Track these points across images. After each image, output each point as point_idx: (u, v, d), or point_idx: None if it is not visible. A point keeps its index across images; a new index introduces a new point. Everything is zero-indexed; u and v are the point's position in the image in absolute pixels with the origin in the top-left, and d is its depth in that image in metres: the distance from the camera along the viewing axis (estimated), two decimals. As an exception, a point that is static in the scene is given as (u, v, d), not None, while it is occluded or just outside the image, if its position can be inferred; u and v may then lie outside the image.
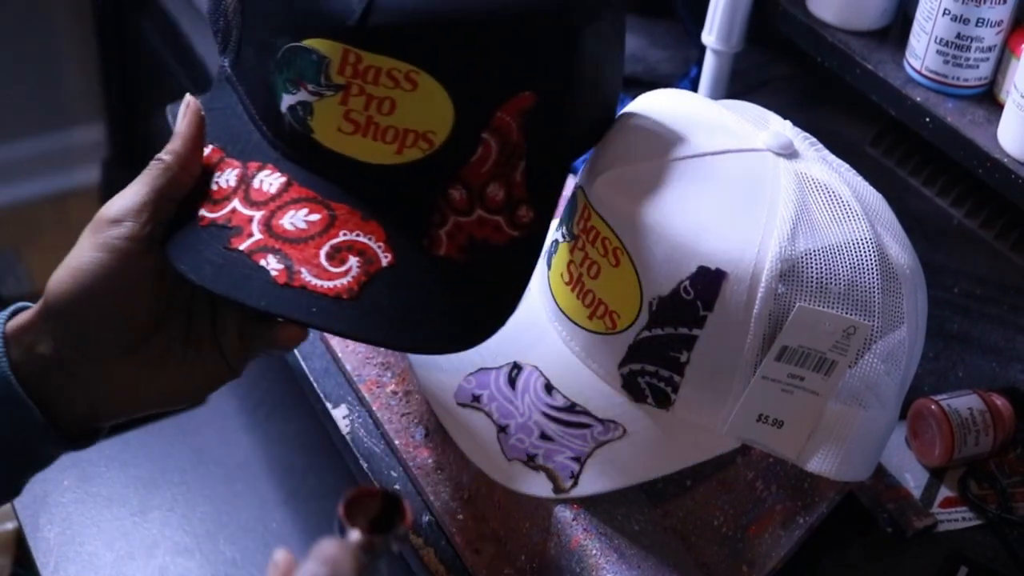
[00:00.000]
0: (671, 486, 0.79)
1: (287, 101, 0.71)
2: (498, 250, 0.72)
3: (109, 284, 0.69)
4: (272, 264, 0.69)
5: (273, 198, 0.71)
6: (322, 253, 0.69)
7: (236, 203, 0.71)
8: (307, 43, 0.69)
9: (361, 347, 0.94)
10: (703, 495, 0.80)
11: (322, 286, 0.68)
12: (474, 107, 0.70)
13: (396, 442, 0.87)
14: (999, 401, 0.93)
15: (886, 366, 0.75)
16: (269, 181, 0.72)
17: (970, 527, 0.89)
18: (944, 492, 0.91)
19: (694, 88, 1.20)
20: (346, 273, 0.69)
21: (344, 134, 0.70)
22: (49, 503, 0.97)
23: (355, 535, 0.51)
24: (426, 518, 0.84)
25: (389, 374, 0.92)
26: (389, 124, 0.69)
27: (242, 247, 0.69)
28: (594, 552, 0.76)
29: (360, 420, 0.91)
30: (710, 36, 1.12)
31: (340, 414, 0.91)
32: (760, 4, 1.11)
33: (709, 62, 1.14)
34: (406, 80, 0.68)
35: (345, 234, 0.70)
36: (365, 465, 0.87)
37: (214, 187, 0.73)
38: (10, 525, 1.06)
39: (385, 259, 0.70)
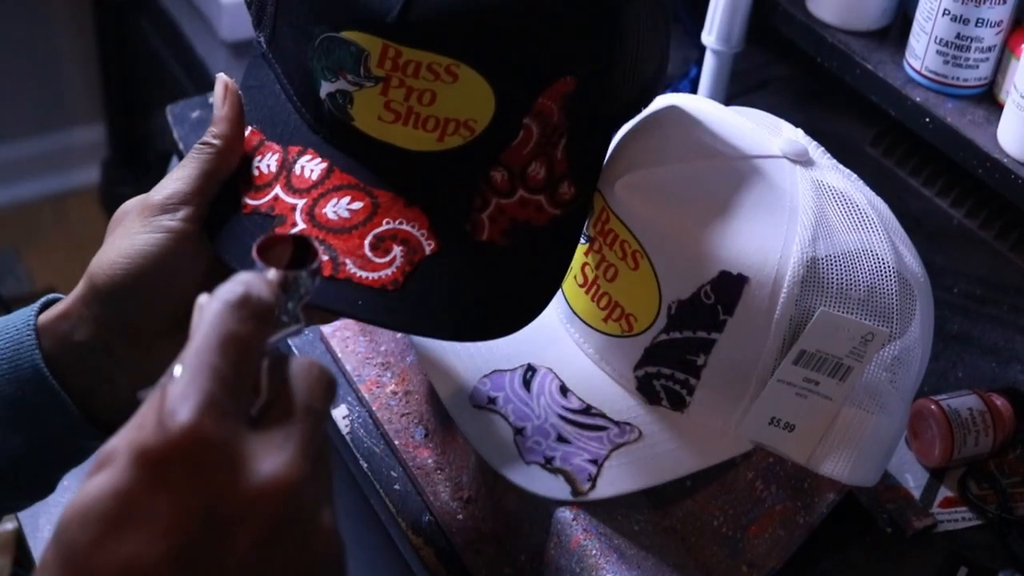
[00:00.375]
0: (671, 487, 0.79)
1: (326, 88, 0.70)
2: (540, 231, 0.72)
3: (165, 266, 0.69)
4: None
5: (315, 185, 0.71)
6: (366, 243, 0.69)
7: (278, 190, 0.71)
8: (345, 35, 0.68)
9: (361, 347, 0.94)
10: (703, 495, 0.80)
11: (367, 277, 0.68)
12: (516, 95, 0.69)
13: (396, 442, 0.87)
14: (999, 401, 0.93)
15: (899, 372, 0.75)
16: (311, 167, 0.72)
17: (970, 527, 0.89)
18: (944, 492, 0.91)
19: (694, 89, 1.20)
20: (390, 263, 0.69)
21: (385, 123, 0.70)
22: (49, 503, 0.97)
23: (271, 271, 0.49)
24: (426, 518, 0.84)
25: (389, 374, 0.92)
26: (430, 114, 0.69)
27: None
28: (594, 552, 0.76)
29: (360, 420, 0.91)
30: (710, 36, 1.12)
31: (340, 414, 0.91)
32: (760, 4, 1.11)
33: (709, 62, 1.14)
34: (447, 73, 0.68)
35: (388, 223, 0.70)
36: (365, 465, 0.87)
37: (255, 172, 0.72)
38: (10, 525, 1.06)
39: (428, 247, 0.70)
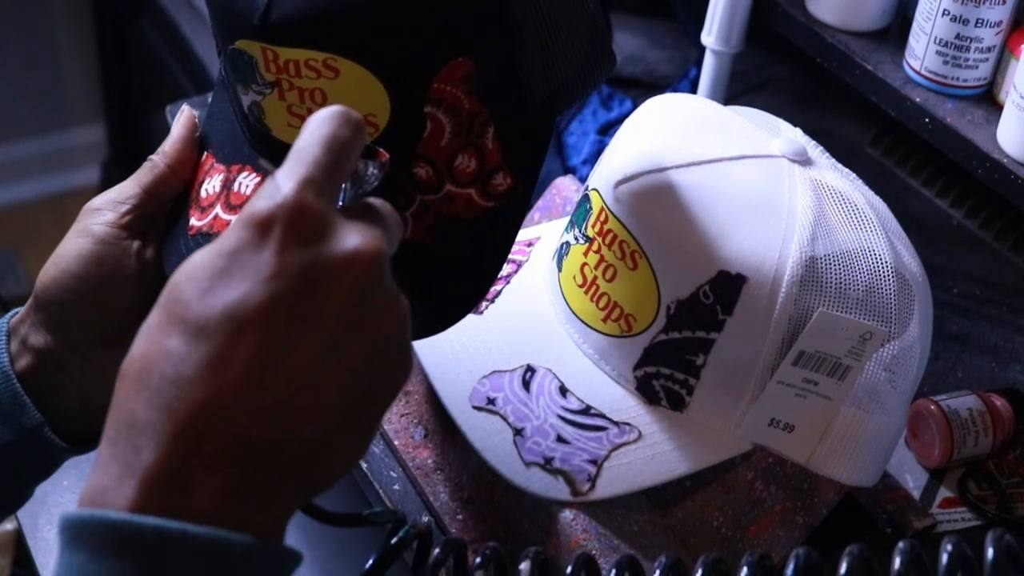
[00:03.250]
0: (671, 487, 0.79)
1: (245, 101, 0.70)
2: (468, 225, 0.71)
3: (87, 270, 0.70)
4: None
5: (248, 200, 0.70)
6: None
7: (218, 209, 0.71)
8: (238, 45, 0.68)
9: (361, 347, 0.94)
10: (703, 496, 0.80)
11: None
12: (405, 83, 0.68)
13: (396, 442, 0.87)
14: (998, 402, 0.93)
15: (897, 372, 0.75)
16: (247, 183, 0.72)
17: (969, 527, 0.89)
18: (943, 493, 0.91)
19: (693, 89, 1.20)
20: None
21: (294, 128, 0.69)
22: (49, 503, 0.97)
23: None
24: (426, 518, 0.84)
25: (389, 374, 0.92)
26: None
27: None
28: (594, 552, 0.76)
29: (360, 420, 0.91)
30: (709, 37, 1.12)
31: (340, 414, 0.91)
32: (760, 5, 1.11)
33: (708, 63, 1.14)
34: (326, 68, 0.66)
35: None
36: (365, 465, 0.87)
37: (203, 194, 0.73)
38: (10, 526, 1.06)
39: None
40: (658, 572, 0.57)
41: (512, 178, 0.72)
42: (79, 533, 0.45)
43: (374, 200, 0.53)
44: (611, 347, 0.77)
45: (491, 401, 0.79)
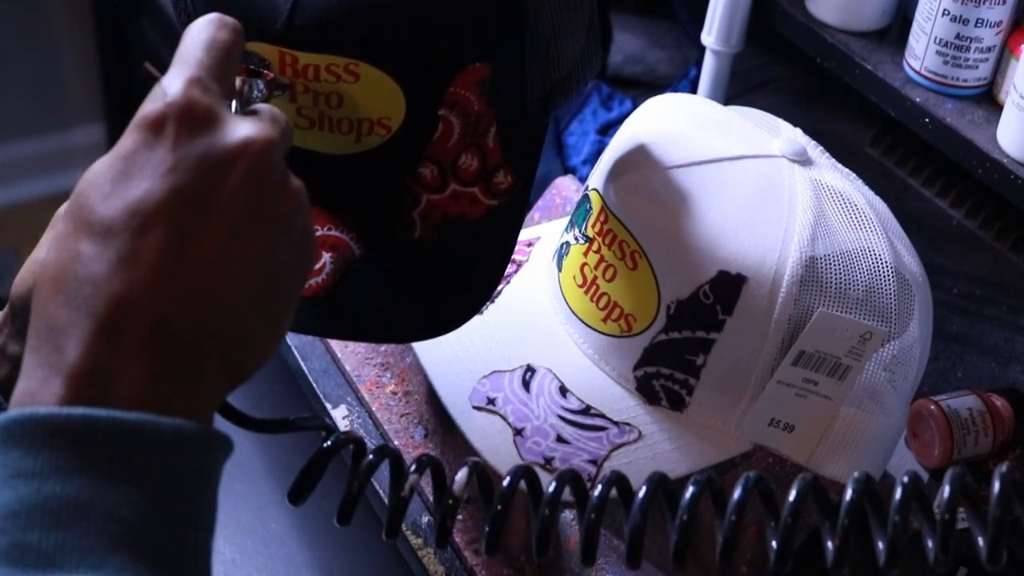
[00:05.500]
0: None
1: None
2: (475, 223, 0.71)
3: None
4: None
5: None
6: None
7: None
8: (248, 47, 0.67)
9: (361, 347, 0.94)
10: (703, 496, 0.80)
11: None
12: (424, 87, 0.68)
13: (396, 442, 0.87)
14: (998, 402, 0.93)
15: (897, 372, 0.75)
16: None
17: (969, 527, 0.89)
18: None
19: (693, 89, 1.20)
20: (320, 271, 0.68)
21: (301, 129, 0.69)
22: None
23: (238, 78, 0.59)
24: (426, 518, 0.84)
25: (389, 374, 0.92)
26: (342, 116, 0.68)
27: None
28: (593, 552, 0.76)
29: (359, 420, 0.91)
30: (709, 37, 1.12)
31: (340, 414, 0.91)
32: (759, 5, 1.11)
33: (708, 63, 1.14)
34: (347, 73, 0.66)
35: (317, 229, 0.69)
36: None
37: None
38: None
39: (358, 250, 0.69)
40: (600, 487, 0.58)
41: (512, 175, 0.72)
42: (10, 434, 0.46)
43: (261, 105, 0.55)
44: (611, 347, 0.77)
45: (491, 401, 0.79)
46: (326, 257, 0.68)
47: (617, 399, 0.77)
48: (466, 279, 0.71)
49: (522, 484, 0.60)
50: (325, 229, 0.69)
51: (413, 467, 0.61)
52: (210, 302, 0.49)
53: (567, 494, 0.59)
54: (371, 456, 0.61)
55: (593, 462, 0.76)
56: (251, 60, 0.67)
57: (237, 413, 0.61)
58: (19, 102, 2.31)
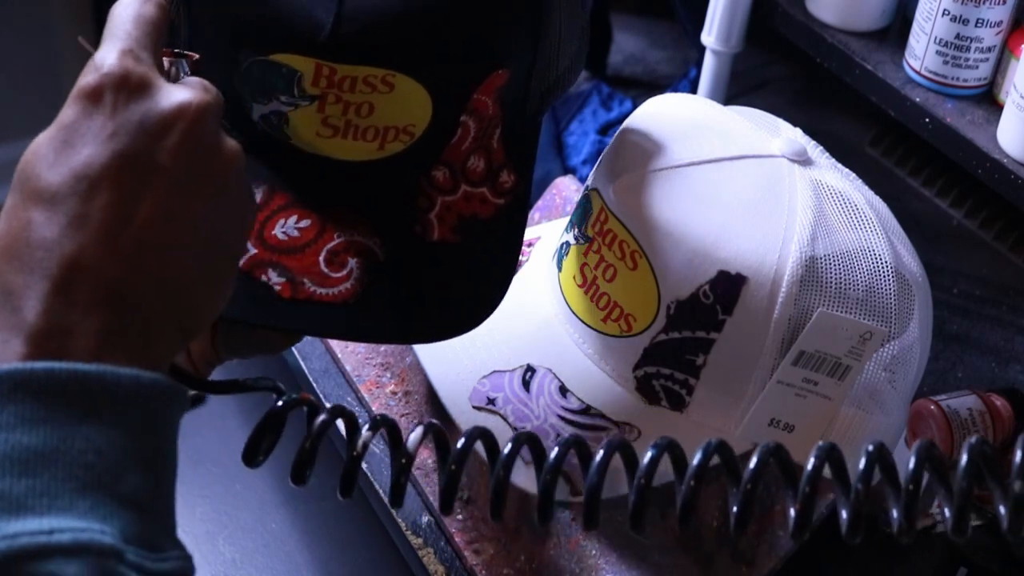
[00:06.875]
0: (670, 487, 0.79)
1: (258, 111, 0.69)
2: (488, 222, 0.72)
3: None
4: (274, 279, 0.68)
5: (259, 208, 0.70)
6: (321, 260, 0.69)
7: None
8: (275, 58, 0.67)
9: (360, 347, 0.94)
10: (703, 495, 0.80)
11: (327, 294, 0.68)
12: (452, 95, 0.69)
13: (396, 442, 0.87)
14: (998, 402, 0.93)
15: (897, 372, 0.75)
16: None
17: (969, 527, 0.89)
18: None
19: (693, 89, 1.20)
20: (348, 276, 0.69)
21: (323, 138, 0.69)
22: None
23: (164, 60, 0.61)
24: (426, 518, 0.84)
25: (388, 374, 0.92)
26: (369, 124, 0.68)
27: (240, 264, 0.69)
28: (593, 552, 0.76)
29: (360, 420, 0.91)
30: (709, 37, 1.12)
31: (340, 414, 0.91)
32: (759, 5, 1.11)
33: (708, 63, 1.14)
34: (383, 84, 0.67)
35: (339, 236, 0.69)
36: (364, 465, 0.87)
37: None
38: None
39: (382, 254, 0.69)
40: (558, 448, 0.58)
41: (515, 175, 0.73)
42: None
43: (190, 78, 0.57)
44: (611, 347, 0.77)
45: (491, 401, 0.79)
46: (352, 262, 0.69)
47: (617, 399, 0.77)
48: (485, 276, 0.72)
49: (479, 447, 0.60)
50: (347, 235, 0.69)
51: (366, 427, 0.61)
52: (157, 259, 0.51)
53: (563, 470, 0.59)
54: (324, 415, 0.61)
55: (593, 462, 0.76)
56: (279, 71, 0.67)
57: (185, 373, 0.63)
58: (19, 102, 2.31)
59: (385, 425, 0.61)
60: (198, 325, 0.54)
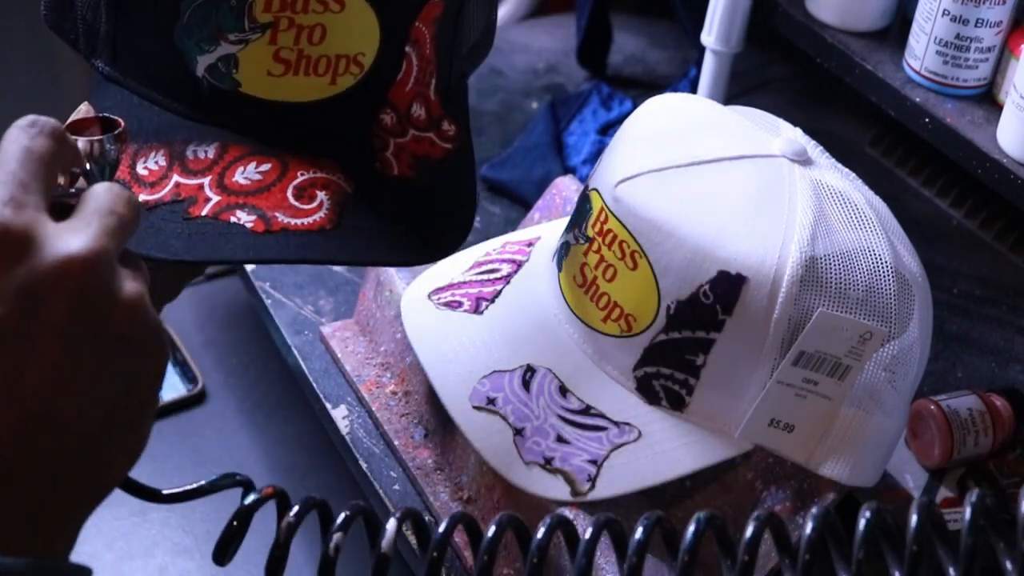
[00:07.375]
0: (671, 487, 0.79)
1: (204, 62, 0.69)
2: (442, 162, 0.74)
3: None
4: (244, 218, 0.67)
5: (214, 162, 0.70)
6: (289, 195, 0.69)
7: (176, 178, 0.69)
8: None
9: (361, 348, 0.94)
10: (703, 495, 0.80)
11: (301, 223, 0.68)
12: (397, 20, 0.70)
13: (395, 443, 0.87)
14: (998, 402, 0.93)
15: (897, 372, 0.75)
16: (203, 150, 0.70)
17: (969, 527, 0.89)
18: (943, 492, 0.91)
19: (693, 89, 1.20)
20: (319, 208, 0.69)
21: (275, 77, 0.69)
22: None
23: (82, 140, 0.58)
24: (426, 518, 0.84)
25: (388, 375, 0.92)
26: (321, 54, 0.69)
27: (204, 212, 0.68)
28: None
29: (359, 421, 0.91)
30: (709, 37, 1.12)
31: (339, 415, 0.91)
32: (760, 4, 1.11)
33: (708, 63, 1.14)
34: (334, 1, 0.68)
35: (303, 174, 0.70)
36: (365, 465, 0.87)
37: (143, 172, 0.70)
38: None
39: (349, 187, 0.70)
40: (591, 529, 0.56)
41: (455, 125, 0.75)
42: None
43: (98, 187, 0.52)
44: (611, 347, 0.77)
45: (491, 401, 0.79)
46: (321, 195, 0.69)
47: (617, 399, 0.77)
48: (447, 208, 0.74)
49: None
50: (310, 172, 0.70)
51: (339, 521, 0.59)
52: (49, 430, 0.48)
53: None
54: (297, 508, 0.59)
55: (593, 462, 0.76)
56: (227, 5, 0.67)
57: (141, 488, 0.59)
58: (19, 102, 2.31)
59: (362, 514, 0.59)
60: (107, 486, 0.51)
